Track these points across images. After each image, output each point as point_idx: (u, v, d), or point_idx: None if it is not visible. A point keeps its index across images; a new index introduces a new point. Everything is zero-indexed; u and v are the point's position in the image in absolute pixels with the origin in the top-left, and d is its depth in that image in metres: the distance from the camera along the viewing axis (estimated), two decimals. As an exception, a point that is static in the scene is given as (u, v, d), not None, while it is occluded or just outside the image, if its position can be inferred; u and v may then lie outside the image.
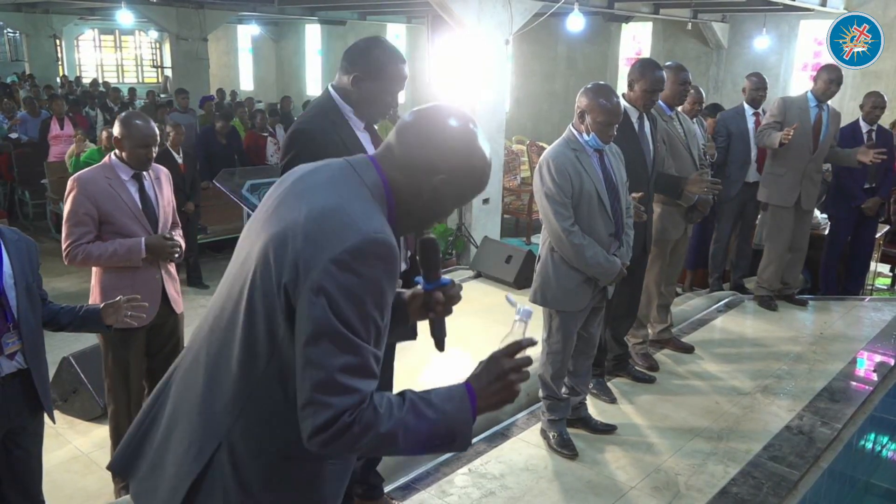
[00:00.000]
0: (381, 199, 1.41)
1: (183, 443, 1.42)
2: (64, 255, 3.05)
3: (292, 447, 1.37)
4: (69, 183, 3.07)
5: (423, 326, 1.66)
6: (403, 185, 1.42)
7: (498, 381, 1.38)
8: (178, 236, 3.29)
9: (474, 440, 3.48)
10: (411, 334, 1.71)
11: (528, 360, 1.41)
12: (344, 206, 1.33)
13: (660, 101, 4.09)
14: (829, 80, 5.06)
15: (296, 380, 1.30)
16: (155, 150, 3.16)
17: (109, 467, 1.57)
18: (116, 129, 3.10)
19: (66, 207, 3.06)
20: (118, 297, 2.67)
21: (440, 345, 1.63)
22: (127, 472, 1.54)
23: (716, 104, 6.33)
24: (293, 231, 1.32)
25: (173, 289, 3.29)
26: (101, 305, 2.63)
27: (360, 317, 1.28)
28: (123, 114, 3.21)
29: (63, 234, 3.05)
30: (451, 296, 1.61)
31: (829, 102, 5.24)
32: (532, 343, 1.42)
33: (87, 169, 3.15)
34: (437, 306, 1.60)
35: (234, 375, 1.38)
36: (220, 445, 1.38)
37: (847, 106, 10.67)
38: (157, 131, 3.17)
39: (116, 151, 3.13)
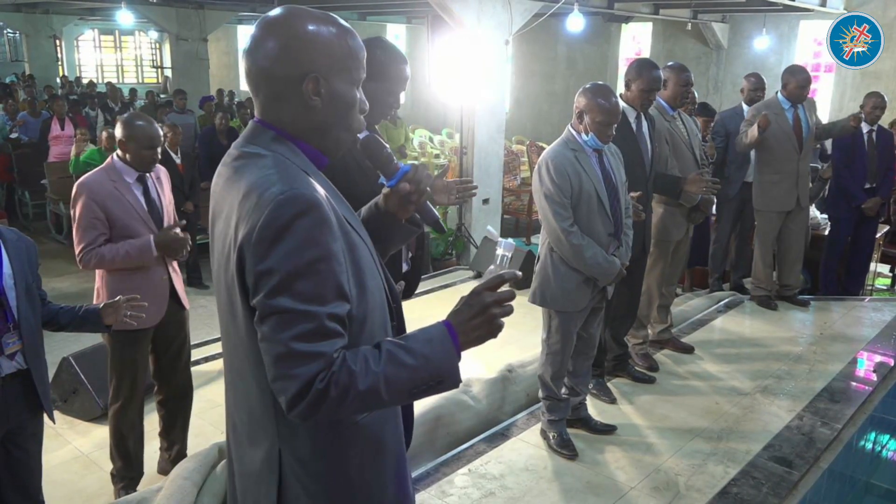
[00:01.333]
0: (289, 148, 1.38)
1: (254, 458, 1.43)
2: (77, 259, 3.05)
3: (334, 423, 1.37)
4: (75, 188, 3.08)
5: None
6: (294, 117, 1.38)
7: (479, 316, 1.33)
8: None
9: (474, 441, 3.48)
10: (414, 229, 1.69)
11: (511, 294, 1.35)
12: (252, 184, 1.30)
13: (662, 101, 4.10)
14: (800, 86, 5.02)
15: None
16: (159, 151, 3.17)
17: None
18: (119, 132, 3.09)
19: (76, 213, 3.05)
20: (118, 298, 2.67)
21: (439, 226, 1.64)
22: (234, 502, 1.54)
23: (705, 103, 6.31)
24: (229, 226, 1.32)
25: (180, 284, 3.32)
26: (101, 305, 2.63)
27: (303, 281, 1.24)
28: (126, 115, 3.20)
29: (75, 240, 3.06)
30: (418, 179, 1.60)
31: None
32: (515, 276, 1.37)
33: (90, 173, 3.14)
34: (411, 195, 1.59)
35: (253, 375, 1.38)
36: (281, 449, 1.39)
37: (847, 106, 10.70)
38: (161, 132, 3.18)
39: (119, 153, 3.12)
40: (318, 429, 1.38)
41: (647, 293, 4.26)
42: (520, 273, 1.41)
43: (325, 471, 1.40)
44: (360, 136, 1.56)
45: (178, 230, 3.21)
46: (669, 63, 4.21)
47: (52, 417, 2.60)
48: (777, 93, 5.18)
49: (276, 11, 1.38)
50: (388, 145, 1.67)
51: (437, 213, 1.66)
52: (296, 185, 1.28)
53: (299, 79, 1.35)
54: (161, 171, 3.32)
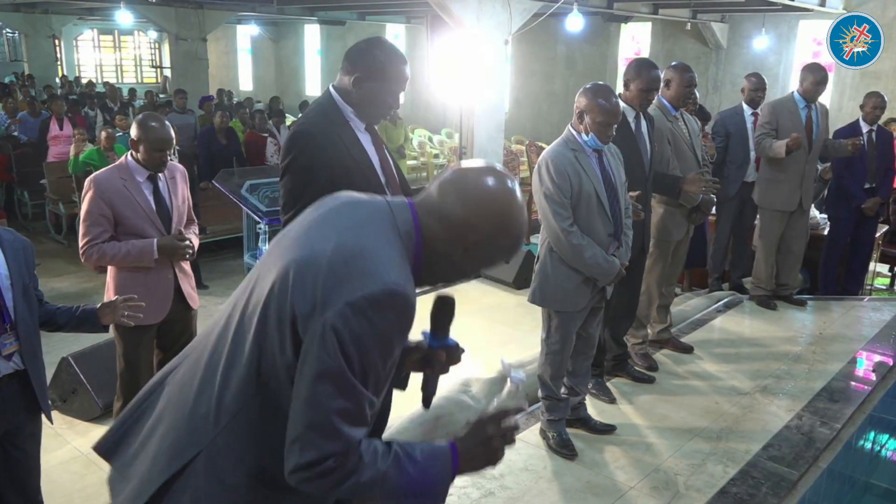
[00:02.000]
0: (410, 246, 1.40)
1: (165, 440, 1.43)
2: (80, 252, 3.13)
3: (267, 473, 1.38)
4: (86, 183, 3.14)
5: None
6: (436, 236, 1.41)
7: (482, 446, 1.41)
8: (194, 234, 3.36)
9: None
10: (402, 384, 1.69)
11: (515, 426, 1.44)
12: (371, 250, 1.32)
13: (665, 101, 4.11)
14: (816, 82, 5.03)
15: (288, 411, 1.31)
16: (170, 153, 3.20)
17: (95, 447, 1.58)
18: (133, 131, 3.14)
19: (83, 207, 3.13)
20: (115, 298, 2.68)
21: (427, 402, 1.64)
22: (110, 456, 1.55)
23: (701, 106, 6.32)
24: (317, 262, 1.31)
25: (188, 285, 3.36)
26: (98, 305, 2.63)
27: (365, 364, 1.28)
28: (140, 115, 3.25)
29: (80, 233, 3.13)
30: (453, 358, 1.62)
31: (827, 101, 5.23)
32: (521, 410, 1.47)
33: (103, 169, 3.22)
34: (436, 364, 1.60)
35: (230, 390, 1.38)
36: (200, 454, 1.38)
37: (847, 106, 10.69)
38: (174, 134, 3.21)
39: (132, 152, 3.18)
40: (252, 470, 1.39)
41: (646, 293, 4.26)
42: (526, 406, 1.48)
43: (226, 499, 1.39)
44: (445, 291, 1.57)
45: (190, 231, 3.27)
46: (673, 63, 4.21)
47: (49, 418, 2.60)
48: (794, 92, 5.18)
49: (491, 176, 1.42)
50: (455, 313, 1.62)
51: (436, 391, 1.65)
52: (404, 285, 1.32)
53: (469, 234, 1.40)
54: (178, 169, 3.37)
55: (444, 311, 1.57)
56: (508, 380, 1.49)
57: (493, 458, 1.42)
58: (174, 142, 3.21)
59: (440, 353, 1.59)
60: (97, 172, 3.19)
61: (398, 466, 1.34)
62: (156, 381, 1.58)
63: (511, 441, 1.43)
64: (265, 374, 1.35)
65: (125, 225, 3.12)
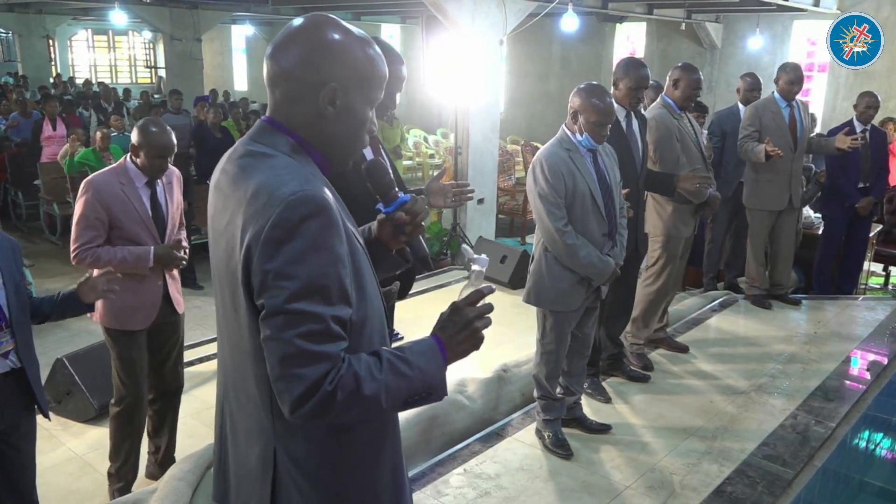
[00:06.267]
0: (298, 151, 1.38)
1: (250, 455, 1.44)
2: (72, 256, 3.06)
3: (331, 425, 1.38)
4: (83, 185, 3.08)
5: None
6: (305, 122, 1.38)
7: (464, 331, 1.40)
8: (183, 237, 3.33)
9: (469, 440, 3.48)
10: (401, 262, 1.68)
11: (490, 307, 1.43)
12: (261, 184, 1.30)
13: (669, 100, 4.15)
14: (790, 82, 5.06)
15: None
16: (171, 159, 3.16)
17: (214, 498, 1.58)
18: (134, 136, 3.08)
19: (78, 209, 3.06)
20: (89, 274, 2.66)
21: (426, 263, 1.66)
22: (226, 498, 1.55)
23: (699, 101, 6.32)
24: (235, 225, 1.31)
25: (175, 289, 3.31)
26: (76, 285, 2.59)
27: (314, 280, 1.25)
28: (142, 121, 3.18)
29: (73, 236, 3.06)
30: (414, 211, 1.60)
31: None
32: (491, 290, 1.45)
33: (101, 172, 3.16)
34: (405, 227, 1.60)
35: (253, 374, 1.38)
36: (276, 447, 1.39)
37: (840, 106, 10.73)
38: (175, 140, 3.15)
39: (132, 156, 3.12)
40: (314, 429, 1.38)
41: (660, 291, 4.27)
42: (494, 287, 1.48)
43: (318, 472, 1.40)
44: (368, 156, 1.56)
45: (183, 244, 3.22)
46: (681, 63, 4.26)
47: (46, 415, 2.60)
48: (773, 92, 5.19)
49: (306, 19, 1.39)
50: (391, 171, 1.65)
51: (427, 249, 1.66)
52: (307, 187, 1.28)
53: (318, 85, 1.36)
54: (174, 174, 3.31)
55: (376, 175, 1.59)
56: (474, 264, 1.51)
57: (476, 341, 1.42)
58: (175, 148, 3.16)
59: (398, 214, 1.59)
60: (94, 175, 3.13)
61: (395, 372, 1.32)
62: (217, 410, 1.57)
63: (488, 322, 1.43)
64: (262, 352, 1.33)
65: (120, 230, 3.06)
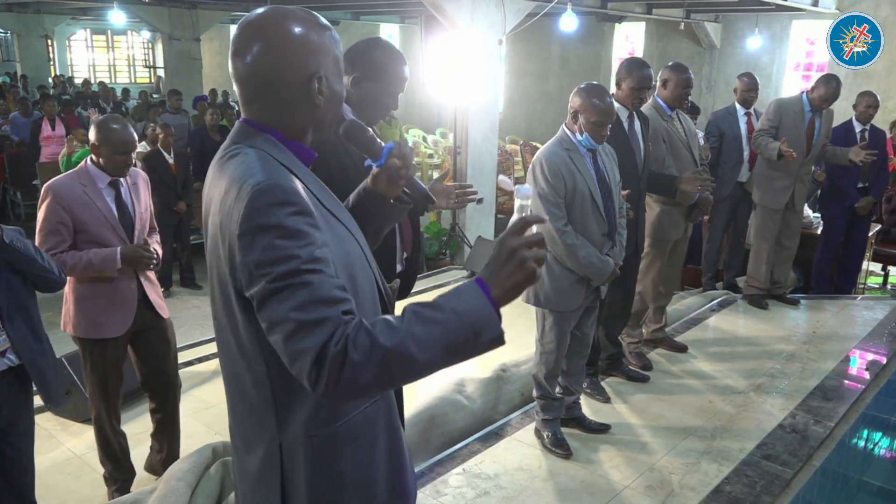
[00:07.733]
0: (274, 145, 1.39)
1: (255, 459, 1.43)
2: None
3: (328, 418, 1.37)
4: (43, 190, 2.97)
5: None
6: (293, 116, 1.40)
7: (509, 262, 1.22)
8: (156, 243, 3.22)
9: (468, 440, 3.48)
10: (403, 207, 1.70)
11: (540, 237, 1.25)
12: (231, 179, 1.31)
13: (660, 101, 4.13)
14: (823, 98, 5.02)
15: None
16: (134, 155, 3.06)
17: None
18: (93, 135, 2.98)
19: (40, 216, 2.94)
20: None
21: (429, 198, 1.68)
22: None
23: (692, 102, 6.32)
24: (217, 224, 1.33)
25: (155, 294, 3.21)
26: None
27: (289, 264, 1.22)
28: (100, 118, 3.09)
29: (36, 242, 2.92)
30: (404, 154, 1.62)
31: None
32: (540, 220, 1.29)
33: (61, 175, 3.05)
34: (399, 171, 1.62)
35: (250, 375, 1.38)
36: (281, 445, 1.38)
37: (840, 105, 10.70)
38: (136, 136, 3.08)
39: (93, 157, 3.03)
40: (312, 423, 1.38)
41: (643, 293, 4.27)
42: (544, 217, 1.37)
43: (318, 465, 1.40)
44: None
45: (151, 241, 3.15)
46: (670, 63, 4.22)
47: (57, 404, 2.57)
48: (804, 93, 5.18)
49: (261, 14, 1.39)
50: (369, 128, 1.69)
51: (425, 187, 1.68)
52: (272, 176, 1.28)
53: (307, 81, 1.38)
54: (140, 176, 3.21)
55: (356, 134, 1.63)
56: (517, 198, 1.32)
57: (527, 273, 1.22)
58: (137, 144, 3.07)
59: (391, 161, 1.62)
60: (54, 179, 2.99)
61: (421, 320, 1.19)
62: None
63: (540, 254, 1.23)
64: (256, 348, 1.34)
65: (86, 233, 2.94)
